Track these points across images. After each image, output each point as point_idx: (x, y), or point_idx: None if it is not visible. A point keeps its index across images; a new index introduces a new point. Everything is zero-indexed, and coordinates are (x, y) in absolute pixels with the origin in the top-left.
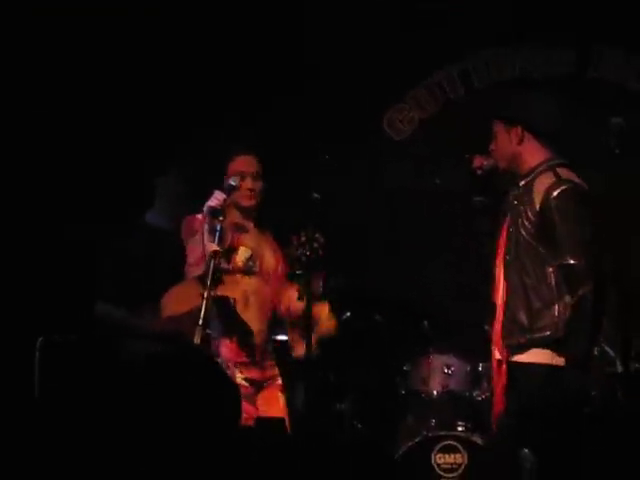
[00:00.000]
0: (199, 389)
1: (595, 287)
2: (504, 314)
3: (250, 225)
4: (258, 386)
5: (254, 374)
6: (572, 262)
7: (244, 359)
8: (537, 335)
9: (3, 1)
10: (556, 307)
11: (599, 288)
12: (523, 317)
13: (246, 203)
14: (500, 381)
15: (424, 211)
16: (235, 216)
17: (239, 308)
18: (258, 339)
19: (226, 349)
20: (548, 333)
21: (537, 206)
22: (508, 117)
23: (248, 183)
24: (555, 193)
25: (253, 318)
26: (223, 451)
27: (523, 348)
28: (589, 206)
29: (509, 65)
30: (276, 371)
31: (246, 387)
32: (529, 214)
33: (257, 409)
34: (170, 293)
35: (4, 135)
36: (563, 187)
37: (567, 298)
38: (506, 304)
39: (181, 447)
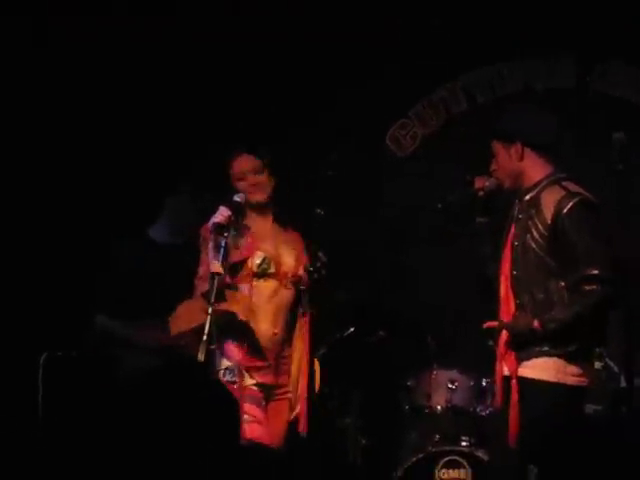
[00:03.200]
0: (196, 405)
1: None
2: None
3: (268, 223)
4: (269, 391)
5: (267, 379)
6: (595, 272)
7: (257, 363)
8: (537, 348)
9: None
10: None
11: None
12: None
13: (254, 198)
14: (513, 397)
15: (427, 227)
16: (250, 218)
17: (252, 315)
18: (272, 342)
19: (237, 353)
20: (546, 348)
21: (549, 220)
22: (505, 135)
23: (250, 179)
24: (567, 207)
25: (268, 321)
26: (221, 465)
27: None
28: (600, 218)
29: (512, 80)
30: (288, 381)
31: (256, 392)
32: (540, 228)
33: (267, 416)
34: (179, 310)
35: (9, 150)
36: (575, 200)
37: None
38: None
39: (179, 461)
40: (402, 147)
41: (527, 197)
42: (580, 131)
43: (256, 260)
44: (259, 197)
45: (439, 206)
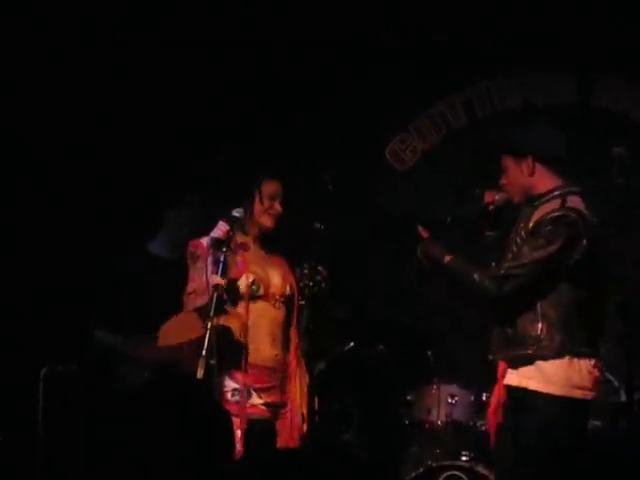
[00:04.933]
0: (187, 418)
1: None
2: (497, 327)
3: (257, 248)
4: (277, 410)
5: (274, 397)
6: (504, 273)
7: (264, 384)
8: (521, 352)
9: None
10: (539, 326)
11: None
12: (509, 330)
13: (269, 224)
14: (493, 402)
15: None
16: (250, 236)
17: (249, 334)
18: (276, 363)
19: (242, 376)
20: (530, 351)
21: (531, 224)
22: (516, 149)
23: (277, 206)
24: (549, 216)
25: (265, 342)
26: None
27: (518, 366)
28: (581, 236)
29: (512, 95)
30: (295, 395)
31: (264, 411)
32: (522, 232)
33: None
34: (168, 324)
35: (9, 163)
36: (560, 213)
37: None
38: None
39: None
40: (402, 161)
41: (534, 204)
42: (580, 146)
43: (247, 280)
44: (273, 225)
45: (448, 220)
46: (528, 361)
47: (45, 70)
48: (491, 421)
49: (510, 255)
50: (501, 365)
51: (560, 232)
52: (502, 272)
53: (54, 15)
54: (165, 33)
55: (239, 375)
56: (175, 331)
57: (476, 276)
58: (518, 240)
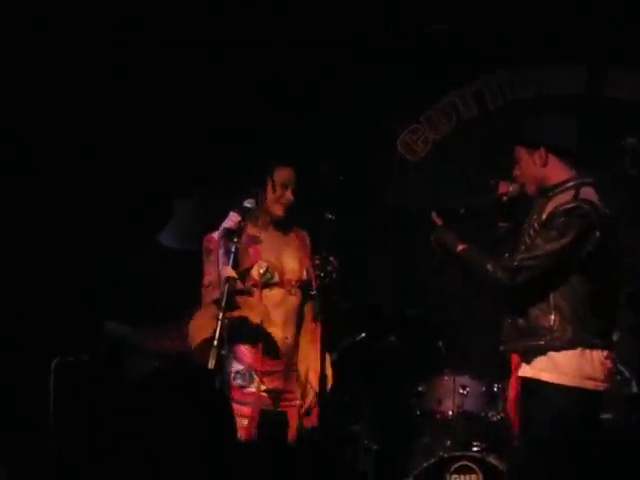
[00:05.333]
0: (189, 407)
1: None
2: (508, 318)
3: (271, 233)
4: (278, 397)
5: (276, 383)
6: (517, 265)
7: (267, 368)
8: (532, 343)
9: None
10: (552, 317)
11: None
12: (521, 321)
13: (280, 213)
14: (511, 395)
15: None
16: (261, 224)
17: (267, 318)
18: (285, 347)
19: (249, 356)
20: (542, 342)
21: (544, 216)
22: (530, 141)
23: (289, 194)
24: (562, 208)
25: (279, 327)
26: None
27: (530, 357)
28: (594, 227)
29: (522, 86)
30: (296, 387)
31: (265, 398)
32: (535, 224)
33: None
34: (192, 324)
35: (13, 155)
36: (574, 204)
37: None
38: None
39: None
40: (413, 152)
41: (549, 194)
42: (592, 137)
43: (260, 270)
44: (285, 214)
45: (461, 211)
46: (540, 352)
47: (45, 69)
48: (512, 414)
49: (523, 247)
50: (515, 358)
51: (573, 224)
52: (515, 264)
53: (54, 15)
54: (165, 33)
55: (246, 355)
56: (200, 329)
57: (489, 266)
58: (531, 232)
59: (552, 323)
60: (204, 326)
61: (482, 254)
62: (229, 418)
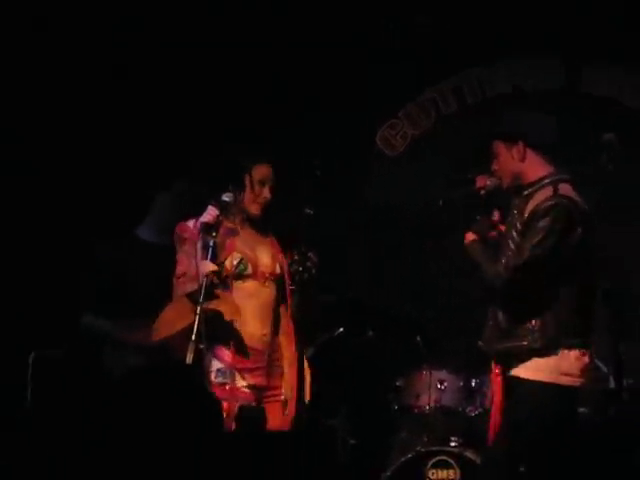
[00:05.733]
0: (175, 403)
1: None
2: (490, 319)
3: (247, 230)
4: (261, 393)
5: (259, 380)
6: (506, 272)
7: (248, 365)
8: (514, 344)
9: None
10: (533, 320)
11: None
12: (503, 323)
13: (257, 212)
14: (496, 395)
15: (419, 227)
16: (238, 222)
17: (237, 315)
18: (262, 343)
19: (228, 355)
20: (525, 343)
21: (525, 215)
22: (508, 135)
23: (266, 192)
24: (544, 205)
25: (255, 322)
26: (203, 464)
27: (511, 358)
28: (575, 224)
29: (501, 81)
30: (281, 382)
31: (247, 394)
32: (517, 224)
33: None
34: (161, 317)
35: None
36: (553, 202)
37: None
38: (493, 310)
39: (164, 461)
40: (392, 147)
41: (525, 192)
42: (569, 132)
43: (233, 261)
44: (261, 212)
45: (440, 203)
46: (521, 352)
47: (44, 69)
48: (495, 419)
49: (510, 253)
50: (496, 368)
51: (556, 222)
52: (506, 272)
53: (54, 15)
54: (165, 33)
55: (225, 354)
56: (169, 322)
57: (484, 269)
58: (514, 233)
59: (533, 324)
60: (171, 320)
61: (484, 254)
62: (213, 409)
